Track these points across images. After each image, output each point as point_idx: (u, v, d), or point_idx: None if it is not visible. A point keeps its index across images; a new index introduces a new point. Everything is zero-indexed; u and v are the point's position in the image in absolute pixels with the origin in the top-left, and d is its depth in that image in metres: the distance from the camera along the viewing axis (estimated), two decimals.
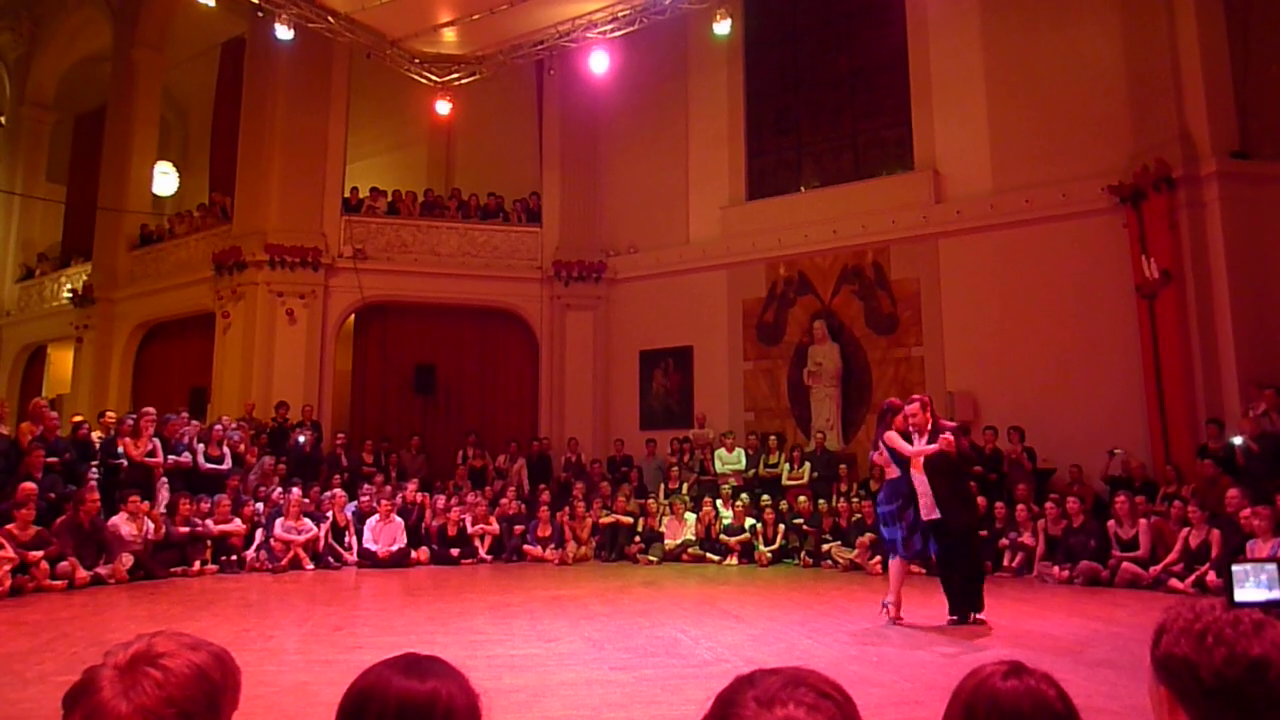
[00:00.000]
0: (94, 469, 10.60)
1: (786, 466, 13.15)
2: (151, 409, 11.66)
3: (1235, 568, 1.38)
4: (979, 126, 13.18)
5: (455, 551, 12.00)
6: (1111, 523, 9.82)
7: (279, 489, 12.01)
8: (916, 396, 7.54)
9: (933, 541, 7.17)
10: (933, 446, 7.03)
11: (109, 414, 11.83)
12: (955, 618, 7.06)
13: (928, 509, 7.10)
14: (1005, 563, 10.51)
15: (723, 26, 13.39)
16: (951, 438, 6.97)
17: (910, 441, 7.22)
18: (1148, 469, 11.01)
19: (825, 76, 15.22)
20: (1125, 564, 9.41)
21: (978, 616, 7.00)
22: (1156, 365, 11.23)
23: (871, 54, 14.75)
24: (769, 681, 1.00)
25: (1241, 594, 1.38)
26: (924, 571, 8.80)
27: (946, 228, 13.28)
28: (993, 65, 13.14)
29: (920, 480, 7.15)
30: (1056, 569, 9.86)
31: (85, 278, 17.91)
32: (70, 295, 17.99)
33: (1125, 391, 11.51)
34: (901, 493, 7.25)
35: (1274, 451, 9.73)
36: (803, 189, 15.26)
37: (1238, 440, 10.11)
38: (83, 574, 9.12)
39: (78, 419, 11.83)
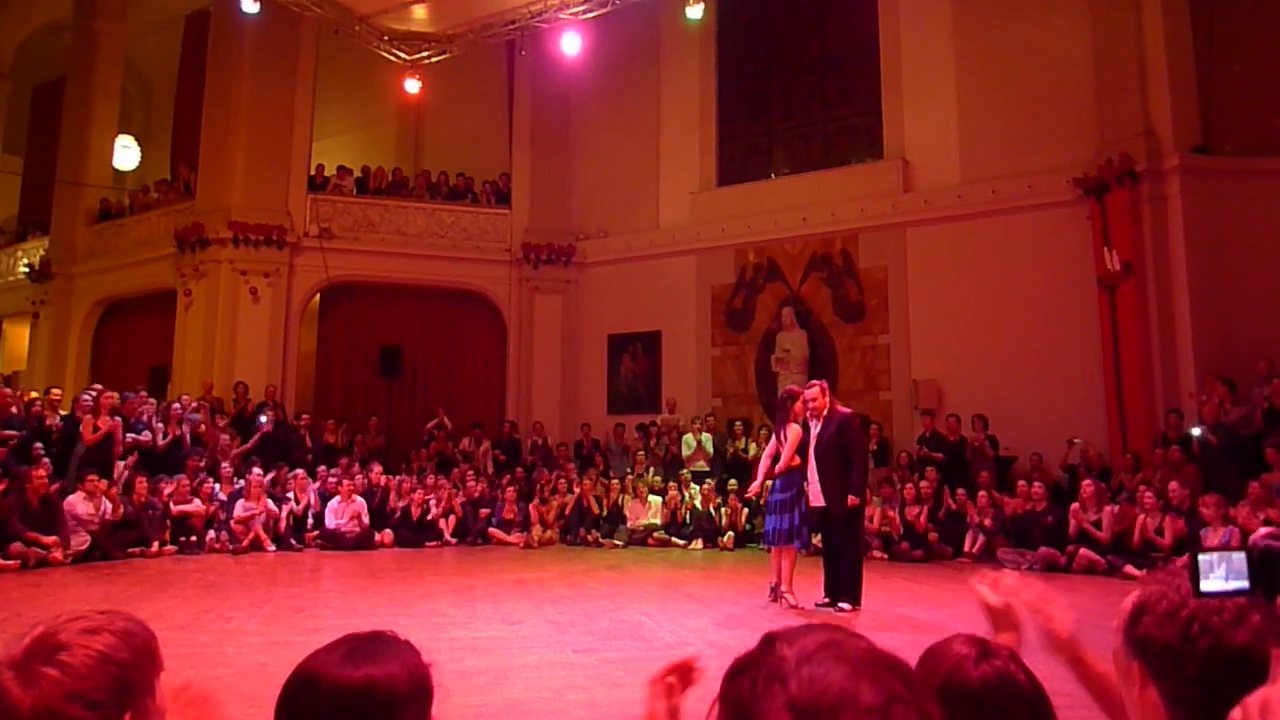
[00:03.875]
0: (38, 446, 10.38)
1: (754, 446, 13.24)
2: (99, 385, 11.47)
3: (1202, 557, 1.35)
4: (948, 117, 13.26)
5: (419, 533, 11.94)
6: (1076, 506, 9.97)
7: (228, 465, 11.85)
8: (815, 382, 7.63)
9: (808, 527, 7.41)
10: (796, 462, 7.32)
11: (54, 390, 11.56)
12: (826, 601, 7.17)
13: (815, 495, 7.29)
14: (966, 548, 10.67)
15: (695, 10, 13.32)
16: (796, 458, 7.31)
17: (808, 429, 7.37)
18: (1105, 458, 11.20)
19: (797, 63, 15.23)
20: (1083, 551, 9.60)
21: (843, 606, 6.99)
22: (1116, 356, 11.42)
23: (843, 42, 14.78)
24: (809, 676, 0.71)
25: (1207, 584, 1.36)
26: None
27: (914, 217, 13.38)
28: (963, 56, 13.22)
29: (811, 467, 7.31)
30: (1009, 552, 10.08)
31: (43, 252, 17.51)
32: (27, 270, 17.58)
33: (1086, 381, 11.69)
34: (796, 483, 7.39)
35: (1231, 442, 9.95)
36: (773, 175, 15.27)
37: (1196, 431, 10.31)
38: (36, 551, 8.96)
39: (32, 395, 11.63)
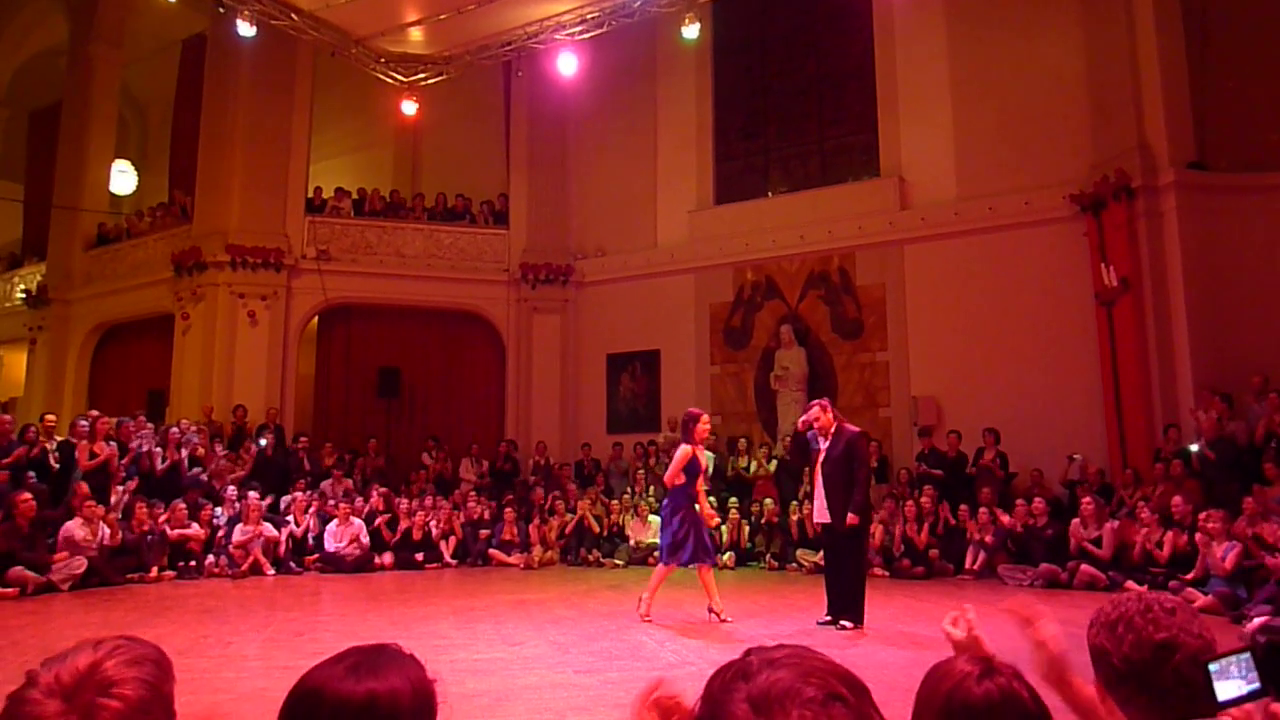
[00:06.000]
0: (30, 475, 10.28)
1: (754, 464, 13.24)
2: (96, 411, 11.42)
3: (1212, 666, 1.37)
4: (944, 134, 13.32)
5: (420, 556, 11.89)
6: (1076, 523, 9.95)
7: (232, 489, 11.81)
8: (815, 401, 7.64)
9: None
10: (679, 481, 7.46)
11: (49, 416, 11.47)
12: (829, 619, 7.16)
13: (820, 511, 7.32)
14: (967, 565, 10.63)
15: (691, 30, 13.40)
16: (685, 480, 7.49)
17: (816, 445, 7.42)
18: (1106, 474, 11.17)
19: (793, 82, 15.32)
20: (1084, 567, 9.57)
21: (845, 624, 6.99)
22: (1115, 371, 11.42)
23: (839, 61, 14.88)
24: (768, 679, 0.85)
25: (1223, 689, 1.36)
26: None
27: (911, 234, 13.41)
28: (958, 74, 13.30)
29: (818, 484, 7.33)
30: (1010, 568, 10.11)
31: (39, 278, 17.51)
32: (24, 296, 17.57)
33: (1085, 397, 11.69)
34: (678, 502, 7.49)
35: (1230, 457, 9.94)
36: (770, 194, 15.32)
37: (1194, 447, 10.30)
38: (31, 575, 8.90)
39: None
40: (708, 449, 13.55)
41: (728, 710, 0.84)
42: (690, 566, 7.51)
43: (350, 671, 1.19)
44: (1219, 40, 11.71)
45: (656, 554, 12.02)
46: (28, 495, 9.42)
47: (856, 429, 7.54)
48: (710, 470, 13.36)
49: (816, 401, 7.61)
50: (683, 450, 7.53)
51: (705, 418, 7.79)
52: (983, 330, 12.56)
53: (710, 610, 7.40)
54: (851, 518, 7.07)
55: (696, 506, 7.53)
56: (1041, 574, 9.78)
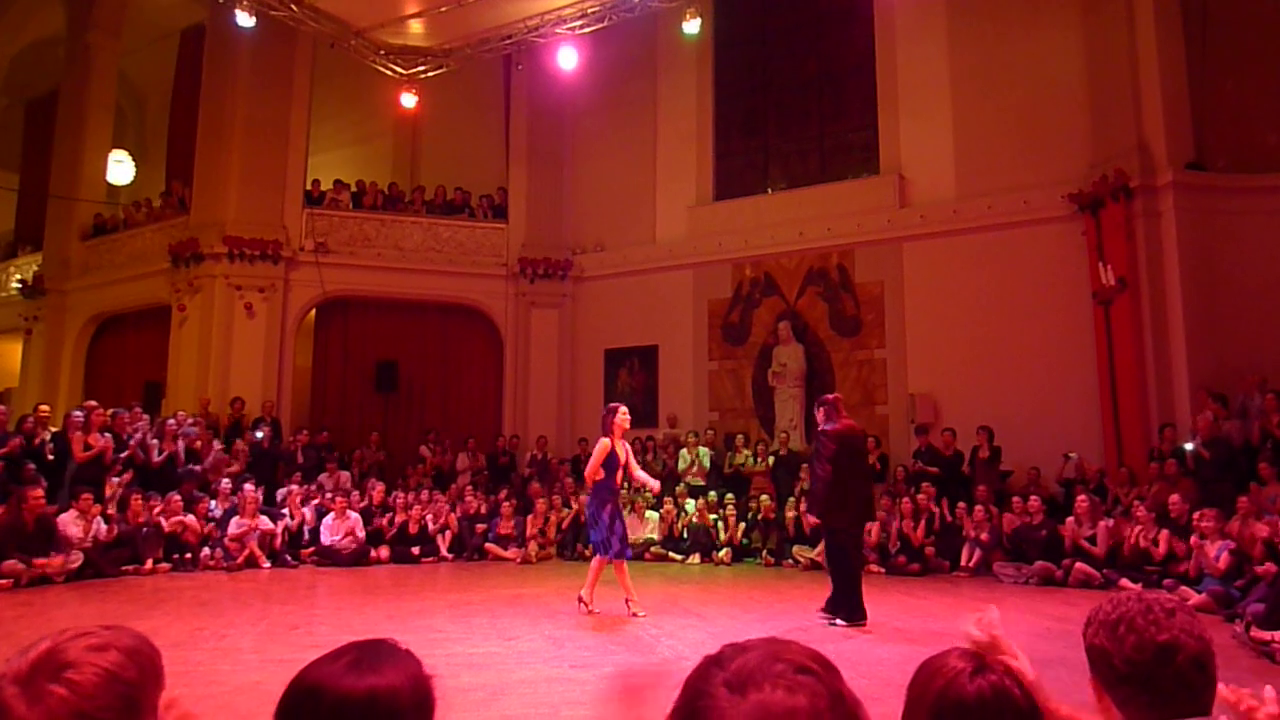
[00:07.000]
0: (31, 466, 10.23)
1: (751, 459, 13.24)
2: (93, 402, 11.39)
3: None
4: (944, 132, 13.31)
5: (416, 550, 11.88)
6: (1071, 521, 9.97)
7: (228, 482, 11.79)
8: (827, 396, 7.67)
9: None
10: (599, 476, 7.47)
11: (42, 407, 11.37)
12: (824, 611, 7.20)
13: (810, 503, 7.45)
14: (962, 562, 10.65)
15: (692, 26, 13.37)
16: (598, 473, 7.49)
17: None
18: (1105, 475, 11.18)
19: (794, 79, 15.30)
20: (1078, 565, 9.59)
21: (837, 621, 7.00)
22: (1111, 370, 11.44)
23: (840, 58, 14.86)
24: (740, 661, 0.91)
25: None
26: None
27: (910, 232, 13.41)
28: (958, 72, 13.29)
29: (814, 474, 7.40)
30: (1005, 566, 10.12)
31: (35, 268, 17.46)
32: (19, 286, 17.52)
33: (1081, 395, 11.70)
34: (601, 496, 7.52)
35: (1225, 457, 9.95)
36: (769, 190, 15.31)
37: (1189, 446, 10.32)
38: (23, 568, 8.86)
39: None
40: (705, 445, 13.65)
41: (706, 694, 0.89)
42: (592, 555, 7.60)
43: (350, 668, 1.17)
44: (1218, 41, 11.71)
45: (655, 549, 12.18)
46: (39, 493, 9.32)
47: (831, 427, 7.29)
48: (707, 466, 13.45)
49: (821, 397, 7.65)
50: (601, 444, 7.53)
51: (623, 410, 7.73)
52: (980, 328, 12.57)
53: (580, 599, 7.60)
54: (810, 519, 7.12)
55: (626, 499, 7.56)
56: (1036, 571, 9.80)
